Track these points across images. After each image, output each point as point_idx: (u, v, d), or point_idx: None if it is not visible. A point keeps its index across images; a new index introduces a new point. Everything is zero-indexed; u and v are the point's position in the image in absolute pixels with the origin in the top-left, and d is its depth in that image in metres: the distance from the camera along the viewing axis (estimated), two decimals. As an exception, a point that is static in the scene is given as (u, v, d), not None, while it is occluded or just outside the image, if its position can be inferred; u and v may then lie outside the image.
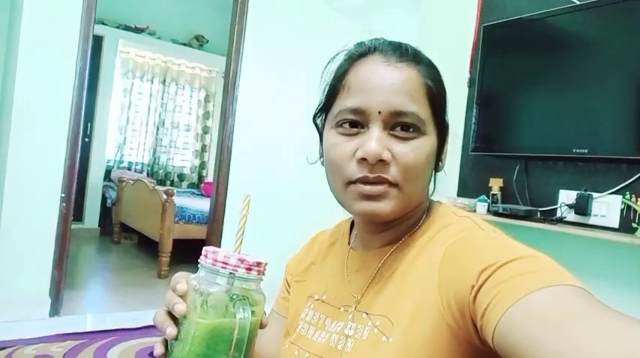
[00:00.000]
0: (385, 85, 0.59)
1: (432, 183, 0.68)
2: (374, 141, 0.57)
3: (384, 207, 0.59)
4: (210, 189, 3.72)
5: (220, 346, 0.50)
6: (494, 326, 0.44)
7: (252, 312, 0.51)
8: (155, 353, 0.55)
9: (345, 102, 0.60)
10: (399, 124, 0.59)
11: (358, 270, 0.68)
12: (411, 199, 0.61)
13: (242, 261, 0.51)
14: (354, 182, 0.59)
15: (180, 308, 0.51)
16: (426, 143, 0.60)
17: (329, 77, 0.64)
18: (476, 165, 2.50)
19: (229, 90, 3.36)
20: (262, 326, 0.55)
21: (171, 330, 0.52)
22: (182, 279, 0.54)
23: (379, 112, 0.58)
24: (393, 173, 0.58)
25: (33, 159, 2.65)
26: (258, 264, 0.52)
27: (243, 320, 0.50)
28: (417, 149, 0.59)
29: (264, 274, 0.54)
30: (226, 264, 0.51)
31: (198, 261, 0.53)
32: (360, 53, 0.62)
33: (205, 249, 0.53)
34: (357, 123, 0.60)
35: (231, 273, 0.51)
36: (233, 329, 0.50)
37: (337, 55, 0.65)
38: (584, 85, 2.01)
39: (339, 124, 0.61)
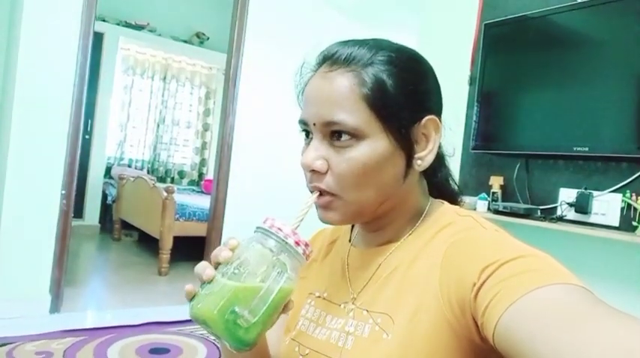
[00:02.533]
0: (316, 97, 0.61)
1: (419, 181, 0.66)
2: (308, 151, 0.61)
3: (332, 216, 0.63)
4: (211, 186, 3.72)
5: (244, 298, 0.53)
6: (495, 324, 0.44)
7: (284, 284, 0.54)
8: (186, 288, 0.57)
9: (300, 115, 0.64)
10: (334, 133, 0.60)
11: (359, 268, 0.68)
12: (361, 204, 0.62)
13: (294, 233, 0.56)
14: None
15: (226, 254, 0.55)
16: (365, 149, 0.59)
17: (299, 89, 0.68)
18: (476, 163, 2.50)
19: (230, 88, 3.36)
20: (286, 310, 0.57)
21: (209, 271, 0.55)
22: (235, 238, 0.57)
23: (314, 124, 0.61)
24: (327, 182, 0.61)
25: (33, 156, 2.65)
26: (307, 245, 0.56)
27: (274, 281, 0.54)
28: (351, 159, 0.59)
29: (307, 257, 0.57)
30: (280, 230, 0.55)
31: (257, 226, 0.57)
32: (316, 64, 0.64)
33: (265, 217, 0.57)
34: (310, 133, 0.63)
35: (282, 239, 0.55)
36: (262, 287, 0.53)
37: (302, 65, 0.67)
38: (584, 83, 2.01)
39: (303, 133, 0.65)
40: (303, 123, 0.64)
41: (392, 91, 0.59)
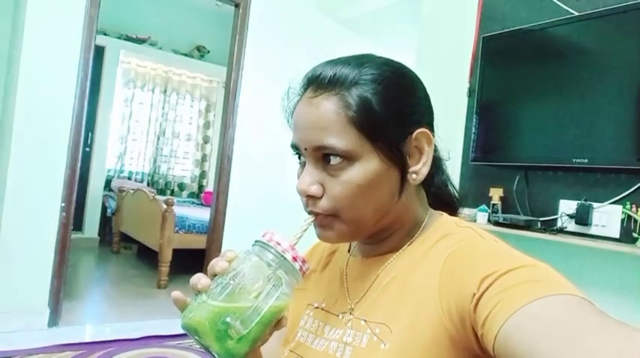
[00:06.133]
0: (304, 123, 0.61)
1: (416, 192, 0.66)
2: (303, 177, 0.62)
3: (329, 235, 0.63)
4: (211, 198, 3.72)
5: (237, 309, 0.53)
6: (495, 334, 0.44)
7: (278, 298, 0.54)
8: (173, 294, 0.58)
9: (291, 140, 0.65)
10: (326, 156, 0.60)
11: (357, 278, 0.68)
12: (359, 223, 0.62)
13: (292, 248, 0.57)
14: None
15: (222, 265, 0.55)
16: (358, 170, 0.59)
17: (288, 113, 0.68)
18: (476, 175, 2.50)
19: (230, 100, 3.38)
20: (279, 326, 0.57)
21: (204, 281, 0.55)
22: (232, 250, 0.58)
23: (305, 149, 0.62)
24: (323, 206, 0.61)
25: (34, 168, 2.65)
26: (304, 262, 0.57)
27: (268, 294, 0.54)
28: (345, 182, 0.59)
29: (303, 274, 0.57)
30: (279, 244, 0.56)
31: (255, 239, 0.58)
32: (301, 88, 0.64)
33: (264, 230, 0.58)
34: (302, 156, 0.64)
35: (280, 254, 0.55)
36: (256, 299, 0.53)
37: (288, 90, 0.67)
38: (583, 95, 2.02)
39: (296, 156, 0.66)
40: (294, 147, 0.64)
41: (378, 110, 0.59)
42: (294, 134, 0.64)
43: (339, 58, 0.63)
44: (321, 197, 0.61)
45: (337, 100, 0.59)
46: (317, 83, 0.61)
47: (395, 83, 0.61)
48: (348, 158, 0.59)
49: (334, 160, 0.59)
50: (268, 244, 0.56)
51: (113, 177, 5.74)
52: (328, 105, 0.59)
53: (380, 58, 0.64)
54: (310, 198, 0.62)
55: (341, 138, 0.58)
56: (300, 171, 0.64)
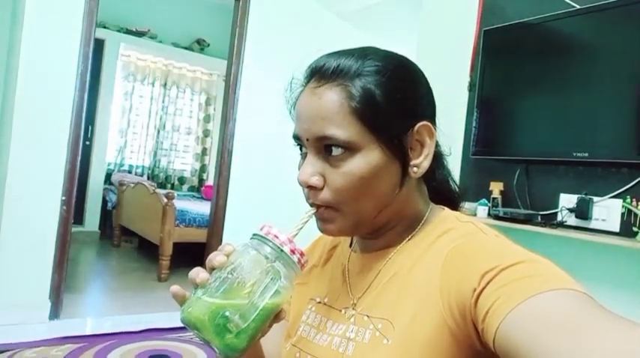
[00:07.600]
0: (307, 113, 0.61)
1: (417, 186, 0.66)
2: (304, 168, 0.62)
3: (331, 228, 0.63)
4: (211, 192, 3.72)
5: (236, 303, 0.53)
6: (496, 329, 0.44)
7: (277, 292, 0.55)
8: (171, 288, 0.58)
9: (293, 130, 0.64)
10: (327, 147, 0.60)
11: (359, 273, 0.68)
12: (360, 215, 0.62)
13: (290, 241, 0.56)
14: None
15: (220, 259, 0.55)
16: (360, 162, 0.59)
17: (290, 104, 0.68)
18: (476, 169, 2.50)
19: (230, 94, 3.37)
20: (278, 319, 0.57)
21: (203, 275, 0.55)
22: (231, 243, 0.58)
23: (307, 139, 0.61)
24: (324, 197, 0.61)
25: (34, 162, 2.65)
26: (302, 254, 0.57)
27: (267, 288, 0.54)
28: (346, 173, 0.59)
29: (302, 267, 0.57)
30: (277, 237, 0.56)
31: (253, 233, 0.58)
32: (305, 79, 0.64)
33: (262, 224, 0.58)
34: (304, 147, 0.64)
35: (278, 247, 0.55)
36: (254, 293, 0.53)
37: (292, 80, 0.67)
38: (584, 88, 2.01)
39: (298, 147, 0.66)
40: (296, 138, 0.64)
41: (381, 102, 0.59)
42: (297, 124, 0.64)
43: (343, 50, 0.63)
44: (322, 188, 0.61)
45: (340, 91, 0.59)
46: (320, 74, 0.61)
47: (398, 76, 0.61)
48: (350, 149, 0.59)
49: (336, 151, 0.59)
50: (266, 237, 0.56)
51: (113, 170, 5.74)
52: (331, 96, 0.59)
53: (383, 50, 0.64)
54: (311, 190, 0.62)
55: (343, 129, 0.58)
56: (302, 163, 0.64)
